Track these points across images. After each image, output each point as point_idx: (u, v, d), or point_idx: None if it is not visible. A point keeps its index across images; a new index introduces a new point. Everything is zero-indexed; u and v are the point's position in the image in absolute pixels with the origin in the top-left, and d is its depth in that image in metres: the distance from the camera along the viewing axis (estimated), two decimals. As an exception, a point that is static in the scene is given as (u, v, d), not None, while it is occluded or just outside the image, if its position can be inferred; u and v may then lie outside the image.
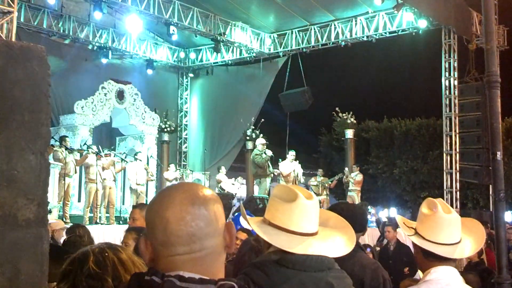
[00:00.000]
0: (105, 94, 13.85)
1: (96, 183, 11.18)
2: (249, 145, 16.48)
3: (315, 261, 1.62)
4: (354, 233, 1.79)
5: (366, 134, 19.83)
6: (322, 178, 14.35)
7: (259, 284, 1.60)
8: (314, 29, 14.83)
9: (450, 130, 12.99)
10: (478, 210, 14.18)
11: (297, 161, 12.91)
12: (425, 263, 2.12)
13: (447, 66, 13.14)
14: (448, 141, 13.03)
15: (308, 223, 1.64)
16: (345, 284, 1.68)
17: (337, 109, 16.89)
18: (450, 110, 13.03)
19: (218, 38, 14.57)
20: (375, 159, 19.51)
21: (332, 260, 1.67)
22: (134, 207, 4.75)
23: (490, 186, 11.28)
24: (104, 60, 14.88)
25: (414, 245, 2.20)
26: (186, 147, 17.69)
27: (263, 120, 16.50)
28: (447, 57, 13.14)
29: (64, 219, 10.25)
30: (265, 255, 1.66)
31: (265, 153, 12.22)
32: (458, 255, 2.11)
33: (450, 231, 2.09)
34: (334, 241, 1.70)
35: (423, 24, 12.94)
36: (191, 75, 17.70)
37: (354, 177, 13.99)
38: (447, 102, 13.11)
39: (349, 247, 1.73)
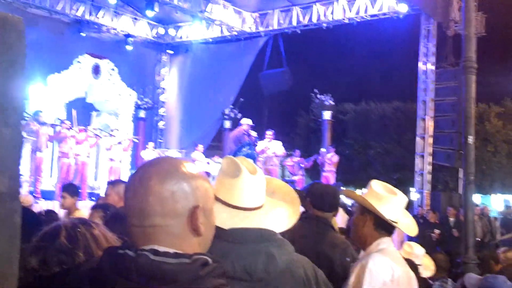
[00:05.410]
0: (80, 68, 13.57)
1: (69, 158, 11.02)
2: (227, 124, 16.43)
3: (254, 233, 1.63)
4: (299, 206, 1.79)
5: (343, 116, 19.98)
6: (298, 158, 14.45)
7: None
8: (297, 9, 14.74)
9: (425, 114, 13.17)
10: (448, 192, 14.51)
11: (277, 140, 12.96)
12: (375, 234, 2.29)
13: (425, 51, 13.26)
14: (422, 125, 13.23)
15: (251, 198, 1.66)
16: (287, 252, 1.66)
17: (315, 90, 16.94)
18: (426, 95, 13.20)
19: (199, 15, 14.37)
20: (351, 140, 19.71)
21: (272, 232, 1.66)
22: (108, 183, 4.73)
23: (460, 169, 11.54)
24: (81, 34, 14.53)
25: (363, 216, 2.30)
26: (164, 125, 17.54)
27: (242, 99, 16.43)
28: (425, 42, 13.25)
29: (35, 195, 10.11)
30: None
31: (250, 134, 12.17)
32: None
33: None
34: (277, 215, 1.70)
35: (403, 8, 12.98)
36: (170, 52, 17.45)
37: (330, 158, 14.12)
38: (423, 87, 13.27)
39: (292, 220, 1.73)
